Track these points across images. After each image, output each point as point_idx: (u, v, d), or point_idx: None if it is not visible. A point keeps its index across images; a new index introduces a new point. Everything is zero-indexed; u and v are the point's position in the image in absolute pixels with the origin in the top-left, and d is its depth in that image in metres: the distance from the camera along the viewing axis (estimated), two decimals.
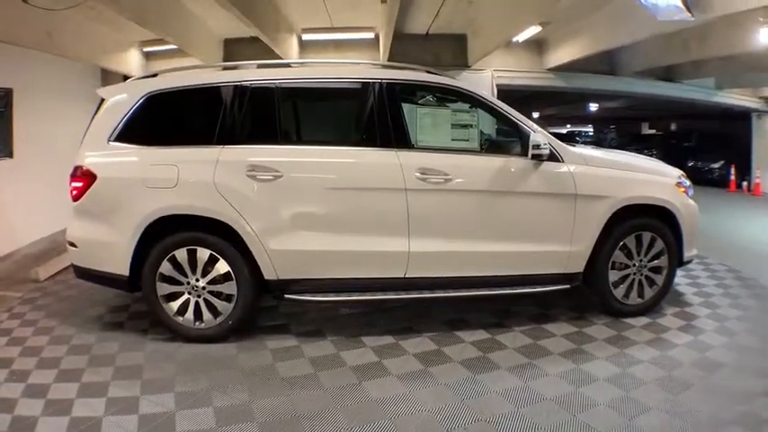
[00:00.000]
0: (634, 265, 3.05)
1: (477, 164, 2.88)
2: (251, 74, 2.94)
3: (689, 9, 3.75)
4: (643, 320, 3.06)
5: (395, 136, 2.84)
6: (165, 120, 2.96)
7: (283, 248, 2.76)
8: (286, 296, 2.85)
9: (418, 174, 2.77)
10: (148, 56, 6.99)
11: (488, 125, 3.04)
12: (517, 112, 2.95)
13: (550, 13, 4.78)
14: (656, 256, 3.07)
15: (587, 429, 2.03)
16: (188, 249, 2.77)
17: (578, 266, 2.99)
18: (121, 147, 2.86)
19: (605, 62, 7.90)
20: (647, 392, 2.29)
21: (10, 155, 4.96)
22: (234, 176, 2.73)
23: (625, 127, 20.86)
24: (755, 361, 2.57)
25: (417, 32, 7.52)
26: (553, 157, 2.89)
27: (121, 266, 2.80)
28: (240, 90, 2.84)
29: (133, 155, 2.84)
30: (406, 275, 2.86)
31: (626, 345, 2.76)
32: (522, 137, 2.90)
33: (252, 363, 2.62)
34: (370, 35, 7.75)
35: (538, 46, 7.93)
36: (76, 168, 2.90)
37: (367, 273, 2.86)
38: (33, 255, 4.89)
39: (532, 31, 6.37)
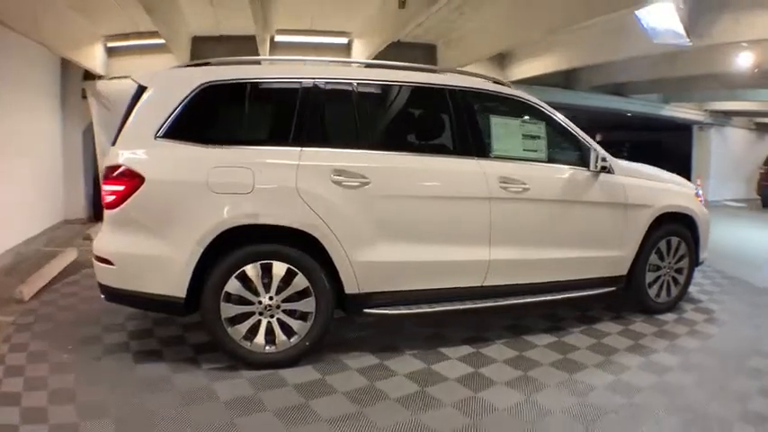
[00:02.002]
0: (664, 266, 3.42)
1: (547, 174, 3.00)
2: (326, 71, 2.72)
3: (688, 35, 4.28)
4: (671, 316, 3.42)
5: (475, 144, 2.84)
6: (228, 115, 2.63)
7: (369, 260, 2.59)
8: (365, 311, 2.68)
9: (500, 182, 2.81)
10: (110, 52, 6.20)
11: (551, 137, 3.18)
12: (576, 126, 3.16)
13: (547, 33, 5.15)
14: (680, 259, 3.46)
15: (690, 410, 2.23)
16: (261, 264, 2.47)
17: (624, 269, 3.26)
18: (174, 144, 2.45)
19: (563, 76, 8.58)
20: (715, 373, 2.61)
21: None
22: (318, 182, 2.50)
23: None
24: None
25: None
26: (607, 169, 3.13)
27: (177, 287, 2.40)
28: (316, 87, 2.61)
29: (191, 154, 2.45)
30: (484, 284, 2.87)
31: (672, 338, 3.07)
32: (582, 149, 3.11)
33: (348, 385, 2.40)
34: (344, 40, 7.69)
35: (500, 58, 8.42)
36: (113, 169, 2.43)
37: (448, 282, 2.80)
38: (3, 269, 4.00)
39: None
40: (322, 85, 2.63)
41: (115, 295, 2.51)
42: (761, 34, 4.29)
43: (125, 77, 6.00)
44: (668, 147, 14.07)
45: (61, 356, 2.60)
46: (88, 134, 6.31)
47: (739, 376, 2.55)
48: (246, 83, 2.61)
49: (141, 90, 2.56)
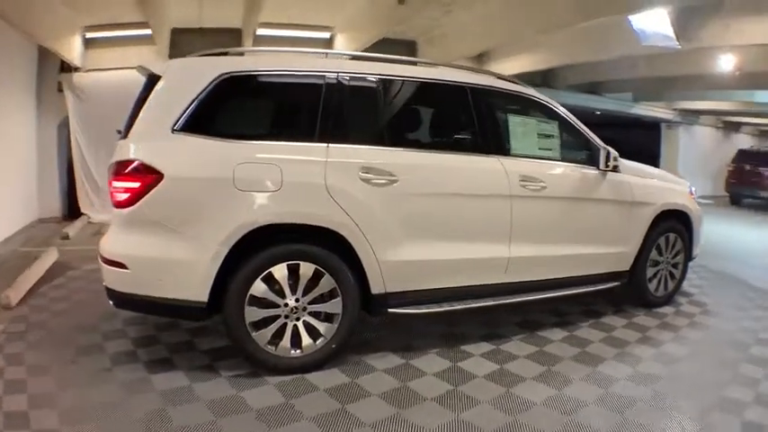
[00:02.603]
0: (662, 261, 3.58)
1: (562, 172, 3.07)
2: (350, 65, 2.64)
3: (678, 38, 4.44)
4: (669, 309, 3.58)
5: (495, 143, 2.86)
6: (249, 108, 2.51)
7: (396, 259, 2.55)
8: (390, 310, 2.63)
9: (520, 180, 2.84)
10: (87, 43, 5.85)
11: (563, 136, 3.24)
12: (585, 126, 3.24)
13: (540, 33, 5.22)
14: (677, 254, 3.64)
15: (708, 395, 2.36)
16: (288, 265, 2.37)
17: (627, 265, 3.38)
18: (193, 138, 2.30)
19: (539, 74, 8.63)
20: (722, 361, 2.75)
21: None
22: (347, 179, 2.43)
23: None
24: None
25: None
26: (615, 168, 3.24)
27: (199, 290, 2.27)
28: (341, 81, 2.53)
29: (214, 149, 2.31)
30: (502, 281, 2.88)
31: (675, 329, 3.22)
32: (592, 149, 3.19)
33: (380, 387, 2.35)
34: (326, 35, 7.58)
35: (479, 56, 8.47)
36: (125, 164, 2.25)
37: (469, 280, 2.80)
38: None
39: None
40: (347, 80, 2.55)
41: (127, 301, 2.33)
42: (750, 40, 4.52)
43: (103, 69, 5.70)
44: (637, 144, 14.56)
45: (65, 368, 2.39)
46: (63, 129, 5.96)
47: (745, 364, 2.71)
48: (269, 74, 2.51)
49: (153, 80, 2.39)
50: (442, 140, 2.88)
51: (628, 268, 3.39)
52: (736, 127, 15.76)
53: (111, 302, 2.37)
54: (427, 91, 2.81)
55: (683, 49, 4.87)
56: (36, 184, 5.87)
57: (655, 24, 4.41)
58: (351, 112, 2.57)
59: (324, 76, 2.53)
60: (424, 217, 2.62)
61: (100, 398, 2.15)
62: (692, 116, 13.38)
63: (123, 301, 2.34)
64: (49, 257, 3.94)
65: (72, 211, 6.29)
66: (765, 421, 2.15)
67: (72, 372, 2.37)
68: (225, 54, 2.53)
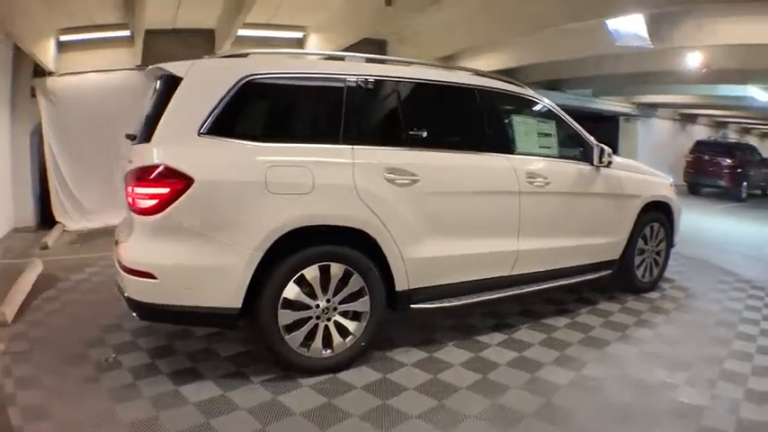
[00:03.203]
0: (648, 249, 3.86)
1: (562, 169, 3.25)
2: (368, 68, 2.68)
3: (651, 38, 4.70)
4: (656, 294, 3.86)
5: (504, 142, 3.01)
6: (275, 111, 2.50)
7: (419, 256, 2.63)
8: (413, 306, 2.70)
9: (527, 177, 2.99)
10: (61, 46, 5.55)
11: (560, 134, 3.44)
12: (578, 125, 3.45)
13: (525, 33, 5.36)
14: (660, 242, 3.93)
15: (712, 368, 2.61)
16: (320, 266, 2.38)
17: (618, 254, 3.62)
18: (222, 141, 2.26)
19: (502, 72, 8.95)
20: (716, 339, 2.99)
21: None
22: (374, 180, 2.48)
23: None
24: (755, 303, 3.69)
25: None
26: (609, 163, 3.47)
27: (233, 297, 2.24)
28: (361, 84, 2.57)
29: (245, 152, 2.29)
30: (511, 273, 3.03)
31: (666, 312, 3.49)
32: (585, 146, 3.41)
33: (414, 381, 2.42)
34: (299, 34, 7.60)
35: (448, 54, 8.67)
36: (149, 170, 2.18)
37: (482, 274, 2.93)
38: None
39: None
40: (366, 82, 2.60)
41: (154, 312, 2.25)
42: (722, 40, 4.83)
43: (77, 73, 5.38)
44: (595, 138, 15.24)
45: (82, 388, 2.27)
46: (36, 136, 5.64)
47: (737, 341, 2.98)
48: (293, 77, 2.51)
49: (171, 81, 2.32)
50: (457, 140, 2.98)
51: (618, 257, 3.64)
52: (692, 119, 16.45)
53: (134, 314, 2.29)
54: (441, 93, 2.90)
55: (655, 48, 5.19)
56: (11, 193, 5.56)
57: (629, 25, 4.67)
58: (372, 114, 2.63)
59: (345, 79, 2.56)
60: (443, 214, 2.71)
61: (131, 417, 2.06)
62: (650, 109, 13.89)
63: (150, 312, 2.26)
64: (35, 269, 3.71)
65: (45, 219, 5.98)
66: (766, 388, 2.40)
67: (92, 391, 2.26)
68: (245, 56, 2.50)
